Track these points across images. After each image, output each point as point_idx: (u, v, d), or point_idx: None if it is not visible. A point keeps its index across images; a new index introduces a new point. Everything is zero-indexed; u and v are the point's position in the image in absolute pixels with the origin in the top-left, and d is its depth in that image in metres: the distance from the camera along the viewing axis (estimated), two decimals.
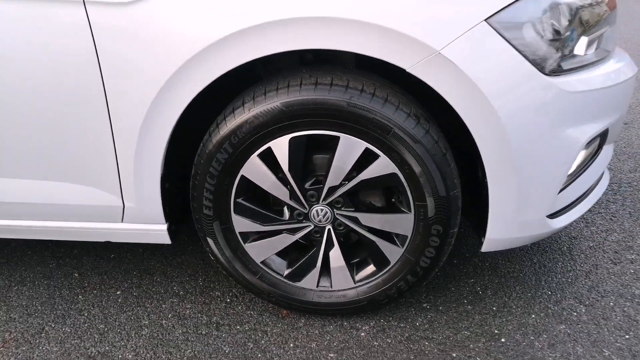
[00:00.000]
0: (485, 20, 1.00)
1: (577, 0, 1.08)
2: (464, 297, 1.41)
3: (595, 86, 1.12)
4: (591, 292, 1.40)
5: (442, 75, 1.02)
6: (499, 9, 1.00)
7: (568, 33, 1.08)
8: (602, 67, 1.17)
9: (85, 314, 1.42)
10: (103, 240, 1.36)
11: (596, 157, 1.32)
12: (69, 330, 1.36)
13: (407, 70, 1.03)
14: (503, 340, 1.27)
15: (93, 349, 1.30)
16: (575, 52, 1.11)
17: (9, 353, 1.31)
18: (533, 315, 1.33)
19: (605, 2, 1.16)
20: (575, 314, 1.33)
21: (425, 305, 1.39)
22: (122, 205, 1.26)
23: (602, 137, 1.29)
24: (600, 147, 1.32)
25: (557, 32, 1.06)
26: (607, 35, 1.19)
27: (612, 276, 1.46)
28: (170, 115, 1.13)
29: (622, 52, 1.33)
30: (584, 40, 1.11)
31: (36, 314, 1.43)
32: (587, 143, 1.18)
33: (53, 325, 1.38)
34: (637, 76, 1.64)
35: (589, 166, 1.30)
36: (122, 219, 1.29)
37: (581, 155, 1.22)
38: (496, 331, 1.29)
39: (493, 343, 1.26)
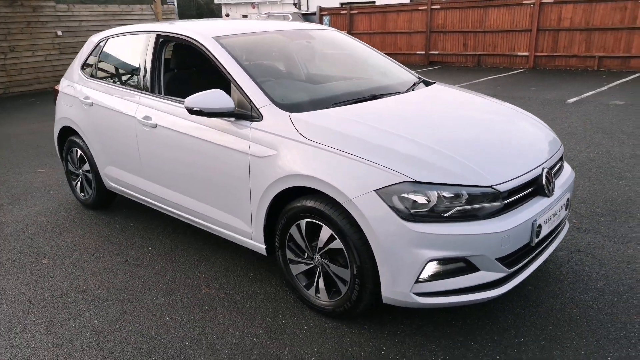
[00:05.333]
0: (374, 190, 2.23)
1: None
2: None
3: (435, 232, 2.17)
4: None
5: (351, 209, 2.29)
6: (381, 186, 2.22)
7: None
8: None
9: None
10: (243, 245, 3.00)
11: (466, 274, 2.26)
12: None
13: (343, 202, 2.32)
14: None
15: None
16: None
17: (210, 297, 3.08)
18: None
19: None
20: None
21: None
22: (251, 231, 2.88)
23: (467, 262, 2.24)
24: (472, 269, 2.26)
25: (405, 204, 2.19)
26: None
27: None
28: (268, 198, 2.68)
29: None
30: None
31: (223, 279, 3.19)
32: (437, 260, 2.20)
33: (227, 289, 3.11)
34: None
35: (456, 277, 2.25)
36: (251, 238, 2.91)
37: (433, 266, 2.23)
38: None
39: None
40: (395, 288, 2.28)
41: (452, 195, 2.21)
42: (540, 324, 2.52)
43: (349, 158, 2.35)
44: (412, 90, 3.27)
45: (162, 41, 3.45)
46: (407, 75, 3.60)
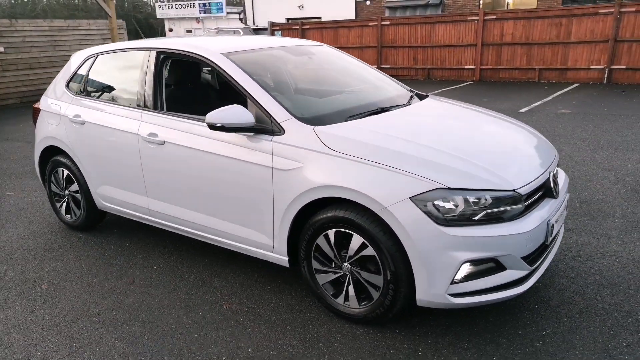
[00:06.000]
0: (409, 197, 2.35)
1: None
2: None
3: (468, 234, 2.31)
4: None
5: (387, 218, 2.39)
6: (416, 194, 2.34)
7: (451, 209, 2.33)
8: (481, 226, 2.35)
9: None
10: (262, 258, 3.03)
11: (495, 274, 2.41)
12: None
13: (378, 210, 2.42)
14: None
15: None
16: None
17: (233, 312, 3.07)
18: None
19: None
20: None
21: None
22: (272, 244, 2.91)
23: (496, 262, 2.40)
24: (500, 268, 2.41)
25: (438, 209, 2.32)
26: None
27: None
28: (294, 210, 2.73)
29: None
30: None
31: (242, 291, 3.19)
32: (471, 262, 2.34)
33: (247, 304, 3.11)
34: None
35: (486, 277, 2.40)
36: (272, 251, 2.94)
37: (466, 267, 2.37)
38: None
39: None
40: (430, 290, 2.39)
41: (481, 199, 2.37)
42: (555, 317, 2.71)
43: (380, 167, 2.46)
44: (411, 102, 3.43)
45: (163, 57, 3.44)
46: (402, 88, 3.77)
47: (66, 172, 4.06)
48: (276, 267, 3.37)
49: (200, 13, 33.35)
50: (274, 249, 2.91)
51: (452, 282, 2.38)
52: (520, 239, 2.40)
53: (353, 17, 25.38)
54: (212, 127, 2.79)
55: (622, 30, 12.07)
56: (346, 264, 2.65)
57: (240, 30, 18.83)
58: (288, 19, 28.27)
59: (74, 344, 2.67)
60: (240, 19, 31.61)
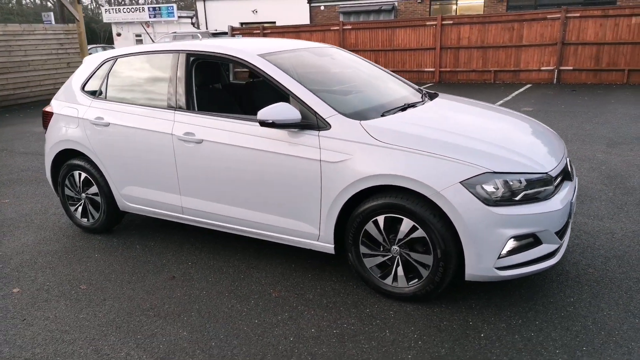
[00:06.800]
0: (459, 182, 2.61)
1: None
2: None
3: (513, 213, 2.60)
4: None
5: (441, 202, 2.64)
6: (465, 178, 2.60)
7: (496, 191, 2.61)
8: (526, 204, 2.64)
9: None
10: (306, 247, 3.20)
11: (536, 246, 2.71)
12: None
13: (431, 195, 2.67)
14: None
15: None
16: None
17: (284, 299, 3.22)
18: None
19: None
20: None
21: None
22: (318, 233, 3.10)
23: (535, 237, 2.70)
24: (537, 242, 2.72)
25: (486, 191, 2.60)
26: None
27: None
28: (340, 203, 2.93)
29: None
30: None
31: (281, 282, 3.35)
32: (515, 237, 2.63)
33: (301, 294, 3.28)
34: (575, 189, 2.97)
35: (525, 251, 2.70)
36: (318, 240, 3.13)
37: (511, 243, 2.66)
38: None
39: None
40: (479, 265, 2.66)
41: (521, 181, 2.66)
42: (577, 286, 3.05)
43: (429, 156, 2.71)
44: (426, 100, 3.71)
45: (194, 59, 3.55)
46: (413, 87, 4.05)
47: (84, 174, 4.06)
48: (311, 256, 3.55)
49: (150, 17, 32.73)
50: (319, 237, 3.10)
51: (499, 257, 2.66)
52: (555, 216, 2.71)
53: (308, 22, 25.72)
54: (263, 123, 2.95)
55: (568, 34, 13.00)
56: (395, 247, 2.88)
57: (199, 35, 18.69)
58: (242, 24, 28.27)
59: (138, 336, 2.75)
60: (193, 24, 31.28)
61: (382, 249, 2.95)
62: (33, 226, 4.46)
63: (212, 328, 2.80)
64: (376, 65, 4.28)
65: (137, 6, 33.68)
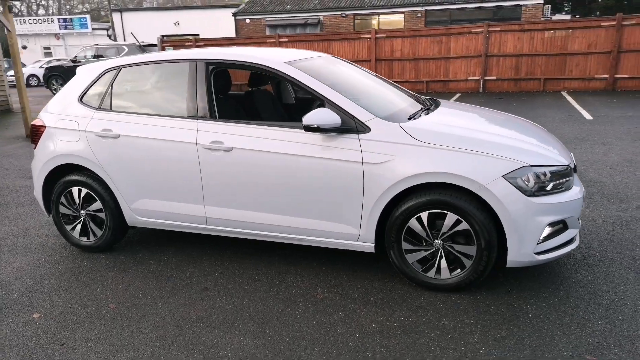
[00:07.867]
0: (502, 176, 2.86)
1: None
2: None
3: (548, 201, 2.89)
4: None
5: (486, 195, 2.87)
6: (507, 172, 2.85)
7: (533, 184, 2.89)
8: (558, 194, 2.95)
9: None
10: (344, 248, 3.30)
11: (564, 231, 3.02)
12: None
13: (476, 189, 2.88)
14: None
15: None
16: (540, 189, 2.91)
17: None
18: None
19: None
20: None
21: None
22: (358, 233, 3.20)
23: (564, 223, 3.01)
24: (565, 228, 3.03)
25: (526, 182, 2.88)
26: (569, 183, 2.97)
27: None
28: (383, 202, 3.07)
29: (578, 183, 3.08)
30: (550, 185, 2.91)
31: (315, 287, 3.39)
32: (550, 224, 2.91)
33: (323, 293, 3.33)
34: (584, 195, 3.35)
35: (557, 236, 3.00)
36: (357, 240, 3.23)
37: (547, 229, 2.94)
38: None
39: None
40: (521, 251, 2.92)
41: (553, 173, 2.96)
42: (588, 267, 3.41)
43: (471, 153, 2.93)
44: (434, 107, 3.94)
45: (213, 68, 3.53)
46: (413, 94, 4.30)
47: (84, 190, 3.86)
48: (339, 258, 3.64)
49: (60, 29, 30.89)
50: (359, 237, 3.21)
51: (538, 243, 2.93)
52: (577, 203, 3.04)
53: (233, 35, 25.61)
54: (308, 128, 3.03)
55: (491, 46, 14.12)
56: (438, 241, 3.06)
57: (125, 47, 17.98)
58: (163, 36, 27.51)
59: (200, 347, 2.70)
60: (109, 36, 29.91)
61: (424, 244, 3.11)
62: (19, 250, 4.14)
63: (273, 332, 2.80)
64: (375, 74, 4.48)
65: (46, 17, 31.60)
